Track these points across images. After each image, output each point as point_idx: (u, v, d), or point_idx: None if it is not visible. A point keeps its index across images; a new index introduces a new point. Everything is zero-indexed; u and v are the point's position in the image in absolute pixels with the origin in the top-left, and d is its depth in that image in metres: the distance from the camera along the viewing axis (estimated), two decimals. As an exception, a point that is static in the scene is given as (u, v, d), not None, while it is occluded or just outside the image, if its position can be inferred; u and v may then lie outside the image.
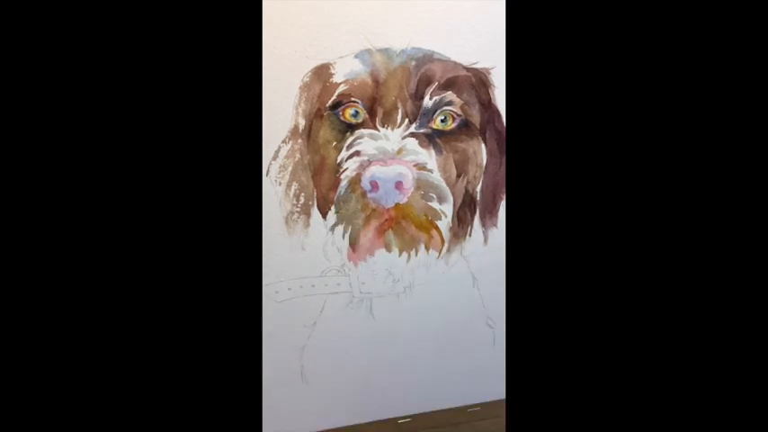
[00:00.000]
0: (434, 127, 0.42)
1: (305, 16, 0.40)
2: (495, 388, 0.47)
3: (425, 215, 0.43)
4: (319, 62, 0.40)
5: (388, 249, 0.43)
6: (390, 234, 0.43)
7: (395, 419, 0.46)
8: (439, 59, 0.42)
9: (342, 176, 0.41)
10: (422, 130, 0.42)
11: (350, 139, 0.41)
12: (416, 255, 0.44)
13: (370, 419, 0.45)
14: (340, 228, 0.42)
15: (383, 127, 0.41)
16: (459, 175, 0.44)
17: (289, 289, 0.42)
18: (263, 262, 0.40)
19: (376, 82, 0.41)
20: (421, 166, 0.42)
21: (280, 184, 0.41)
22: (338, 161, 0.42)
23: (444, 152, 0.43)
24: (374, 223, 0.42)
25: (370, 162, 0.41)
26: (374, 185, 0.41)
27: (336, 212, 0.42)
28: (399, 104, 0.41)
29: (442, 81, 0.42)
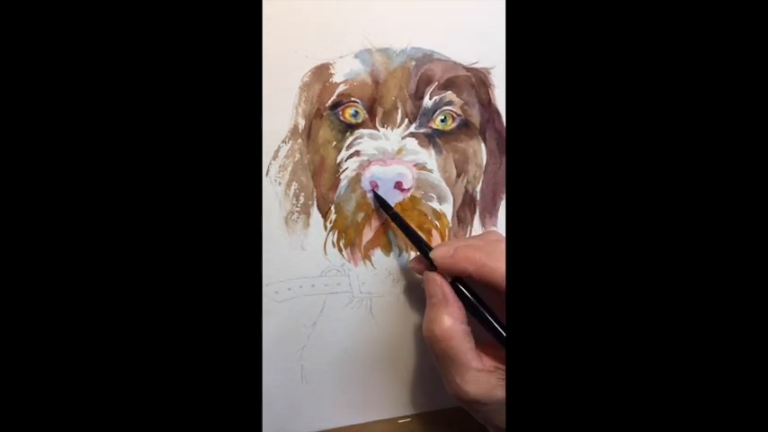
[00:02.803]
0: (434, 127, 0.42)
1: (305, 16, 0.39)
2: (495, 388, 0.47)
3: (425, 215, 0.43)
4: (319, 62, 0.40)
5: (388, 249, 0.43)
6: (390, 234, 0.43)
7: (395, 419, 0.46)
8: (439, 59, 0.42)
9: (342, 176, 0.41)
10: (422, 130, 0.42)
11: (350, 139, 0.41)
12: (416, 255, 0.43)
13: (370, 419, 0.45)
14: (340, 228, 0.42)
15: (383, 127, 0.41)
16: (459, 175, 0.44)
17: (289, 289, 0.42)
18: (263, 262, 0.40)
19: (376, 82, 0.41)
20: (421, 166, 0.42)
21: (279, 183, 0.41)
22: (338, 161, 0.42)
23: (444, 152, 0.43)
24: (374, 223, 0.42)
25: (369, 162, 0.41)
26: (374, 185, 0.41)
27: (336, 212, 0.42)
28: (399, 104, 0.41)
29: (441, 81, 0.42)
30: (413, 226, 0.40)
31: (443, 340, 0.34)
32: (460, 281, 0.36)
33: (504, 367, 0.34)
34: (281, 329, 0.42)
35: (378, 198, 0.41)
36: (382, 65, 0.41)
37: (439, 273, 0.37)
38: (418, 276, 0.44)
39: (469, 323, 0.35)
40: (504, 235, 0.40)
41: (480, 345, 0.35)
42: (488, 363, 0.34)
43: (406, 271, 0.44)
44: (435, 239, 0.43)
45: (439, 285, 0.36)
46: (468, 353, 0.33)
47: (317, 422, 0.44)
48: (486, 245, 0.36)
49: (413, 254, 0.43)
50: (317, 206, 0.42)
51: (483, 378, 0.33)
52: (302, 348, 0.43)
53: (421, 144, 0.42)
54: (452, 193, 0.43)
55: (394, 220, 0.40)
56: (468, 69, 0.43)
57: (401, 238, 0.43)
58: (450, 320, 0.34)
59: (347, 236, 0.42)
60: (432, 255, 0.37)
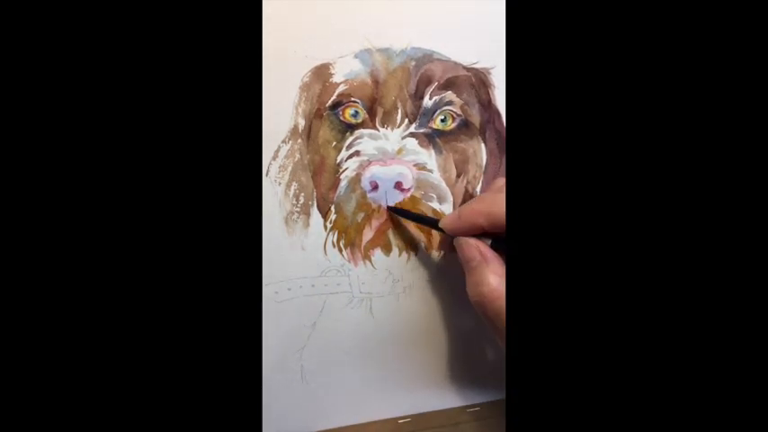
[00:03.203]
0: (434, 127, 0.42)
1: (305, 16, 0.39)
2: (495, 388, 0.47)
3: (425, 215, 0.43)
4: (319, 62, 0.40)
5: (388, 249, 0.43)
6: (390, 234, 0.43)
7: (395, 419, 0.46)
8: (439, 59, 0.42)
9: (341, 176, 0.41)
10: (422, 130, 0.42)
11: (350, 139, 0.41)
12: (416, 255, 0.44)
13: (370, 419, 0.45)
14: (340, 228, 0.42)
15: (383, 127, 0.41)
16: (459, 175, 0.44)
17: (289, 289, 0.42)
18: (263, 262, 0.40)
19: (376, 82, 0.41)
20: (421, 166, 0.42)
21: (279, 184, 0.41)
22: (338, 161, 0.42)
23: (444, 152, 0.43)
24: (374, 223, 0.42)
25: (369, 162, 0.41)
26: (374, 185, 0.41)
27: (336, 212, 0.42)
28: (399, 104, 0.41)
29: (441, 81, 0.42)
30: (420, 212, 0.41)
31: (494, 300, 0.32)
32: (493, 238, 0.36)
33: None
34: (281, 329, 0.42)
35: (390, 208, 0.42)
36: (382, 65, 0.41)
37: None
38: (418, 276, 0.44)
39: None
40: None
41: None
42: None
43: (405, 271, 0.44)
44: (435, 239, 0.43)
45: (474, 246, 0.35)
46: None
47: (317, 422, 0.44)
48: (488, 194, 0.36)
49: (413, 254, 0.43)
50: (317, 206, 0.42)
51: None
52: (302, 348, 0.43)
53: (421, 144, 0.42)
54: (452, 193, 0.43)
55: (398, 213, 0.41)
56: (468, 69, 0.43)
57: (401, 238, 0.43)
58: (497, 279, 0.33)
59: (347, 236, 0.42)
60: (440, 224, 0.37)
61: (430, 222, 0.40)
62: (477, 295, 0.33)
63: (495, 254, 0.35)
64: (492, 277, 0.33)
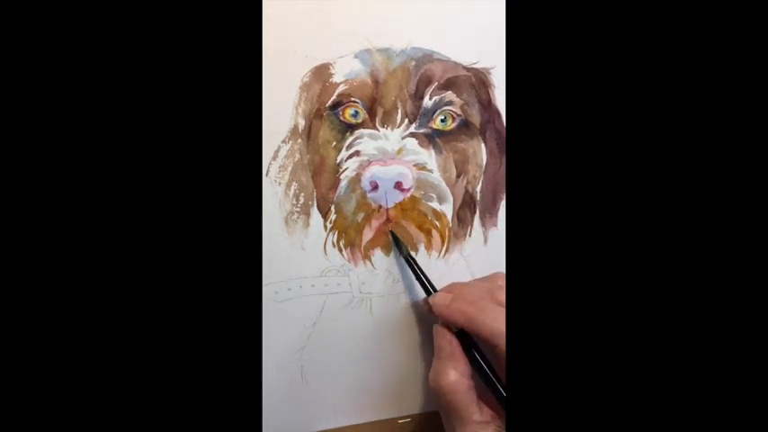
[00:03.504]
0: (434, 127, 0.42)
1: (305, 16, 0.39)
2: (494, 388, 0.47)
3: (425, 215, 0.43)
4: (319, 62, 0.40)
5: (388, 249, 0.43)
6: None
7: (395, 419, 0.46)
8: (439, 59, 0.42)
9: (341, 176, 0.41)
10: (422, 130, 0.42)
11: (349, 139, 0.41)
12: (416, 255, 0.44)
13: (371, 419, 0.45)
14: (340, 228, 0.42)
15: (383, 127, 0.41)
16: (459, 175, 0.44)
17: (289, 289, 0.42)
18: (263, 262, 0.40)
19: (376, 82, 0.41)
20: (421, 166, 0.42)
21: (279, 184, 0.41)
22: (338, 161, 0.42)
23: (444, 152, 0.43)
24: (374, 223, 0.42)
25: (369, 162, 0.41)
26: (374, 185, 0.41)
27: (336, 212, 0.42)
28: (399, 104, 0.41)
29: (441, 81, 0.42)
30: (422, 272, 0.41)
31: (448, 394, 0.35)
32: (466, 334, 0.37)
33: (501, 417, 0.35)
34: (281, 329, 0.42)
35: (394, 238, 0.42)
36: (382, 65, 0.41)
37: (446, 326, 0.38)
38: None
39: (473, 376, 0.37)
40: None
41: (482, 394, 0.36)
42: (488, 413, 0.35)
43: (406, 271, 0.44)
44: (435, 239, 0.43)
45: (447, 340, 0.37)
46: (470, 406, 0.34)
47: (317, 422, 0.44)
48: (480, 298, 0.37)
49: (413, 254, 0.43)
50: (317, 206, 0.42)
51: (481, 430, 0.34)
52: (302, 348, 0.43)
53: (421, 144, 0.42)
54: (452, 193, 0.43)
55: (407, 262, 0.42)
56: (468, 69, 0.43)
57: (401, 238, 0.43)
58: (456, 375, 0.35)
59: (347, 236, 0.42)
60: (430, 300, 0.39)
61: (426, 287, 0.40)
62: (435, 384, 0.36)
63: (462, 351, 0.37)
64: (452, 373, 0.35)
